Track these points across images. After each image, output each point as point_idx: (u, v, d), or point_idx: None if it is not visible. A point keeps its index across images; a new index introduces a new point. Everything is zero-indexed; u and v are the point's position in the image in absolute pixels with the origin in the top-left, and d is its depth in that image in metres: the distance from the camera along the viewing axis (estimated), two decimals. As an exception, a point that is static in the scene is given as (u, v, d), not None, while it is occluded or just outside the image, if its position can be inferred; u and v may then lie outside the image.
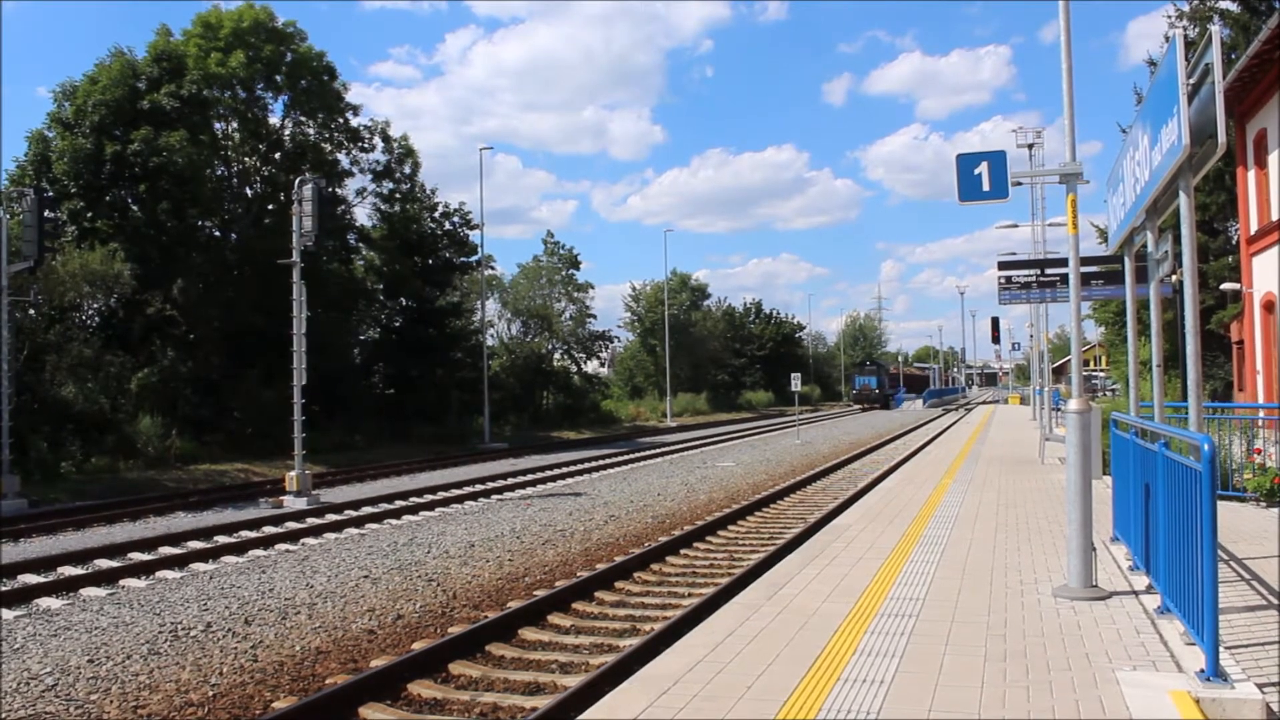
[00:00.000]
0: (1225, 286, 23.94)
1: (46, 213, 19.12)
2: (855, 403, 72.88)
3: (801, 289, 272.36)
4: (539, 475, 21.30)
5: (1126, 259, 8.96)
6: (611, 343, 59.43)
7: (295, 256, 17.78)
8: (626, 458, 26.09)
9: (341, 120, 33.92)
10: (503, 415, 39.66)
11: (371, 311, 37.54)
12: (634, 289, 69.68)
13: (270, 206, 31.95)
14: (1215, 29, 5.45)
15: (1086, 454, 6.74)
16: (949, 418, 48.52)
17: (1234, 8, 27.33)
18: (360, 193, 35.96)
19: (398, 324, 37.72)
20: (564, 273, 54.58)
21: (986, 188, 7.23)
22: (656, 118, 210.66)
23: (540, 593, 9.82)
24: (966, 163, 7.27)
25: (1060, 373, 76.96)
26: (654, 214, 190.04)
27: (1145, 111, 6.70)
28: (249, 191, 32.60)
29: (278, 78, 31.65)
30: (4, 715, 6.49)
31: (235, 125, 31.92)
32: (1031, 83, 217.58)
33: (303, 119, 33.12)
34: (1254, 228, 21.46)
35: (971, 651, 5.37)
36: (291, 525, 14.78)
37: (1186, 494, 4.82)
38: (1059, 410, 22.14)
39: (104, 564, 11.85)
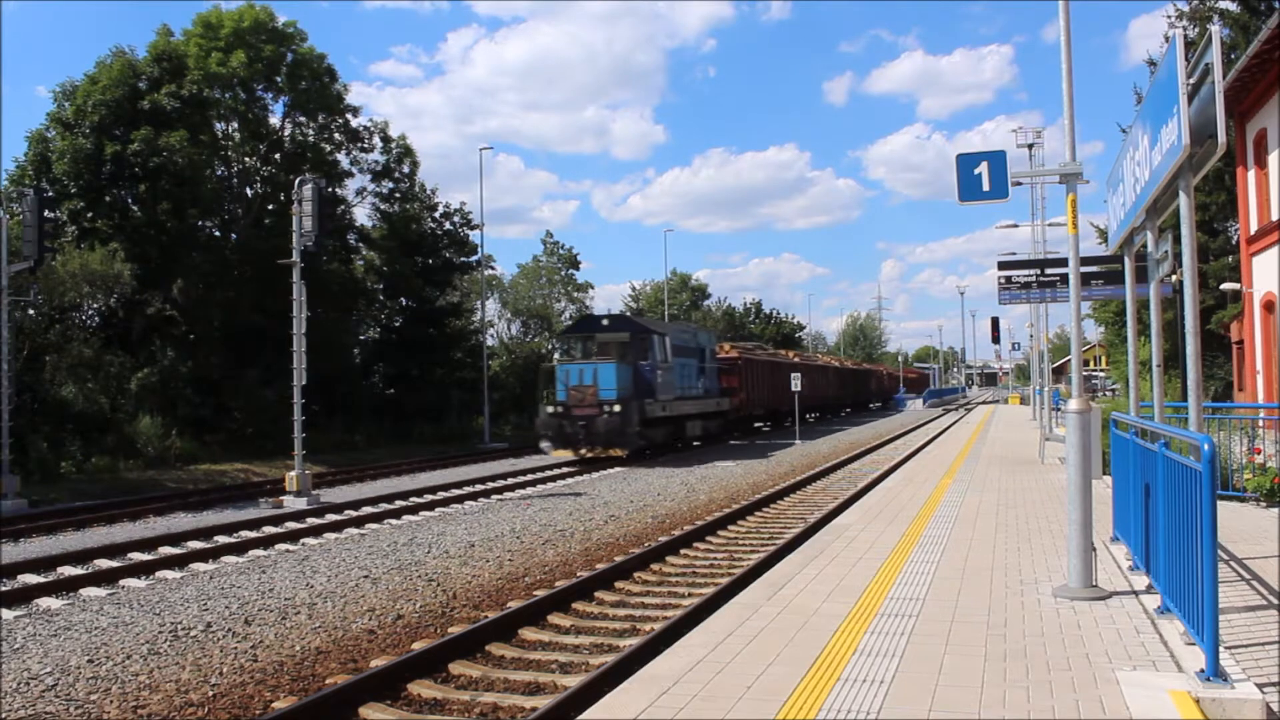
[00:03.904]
0: (1225, 286, 23.96)
1: (46, 213, 19.13)
2: (545, 436, 23.94)
3: (802, 289, 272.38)
4: (539, 475, 21.28)
5: (1126, 259, 8.95)
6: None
7: (295, 256, 17.77)
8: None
9: (341, 121, 33.98)
10: (503, 415, 39.69)
11: (371, 311, 37.62)
12: (634, 289, 69.68)
13: (270, 206, 32.01)
14: (1215, 29, 5.45)
15: (1086, 454, 6.74)
16: (949, 418, 48.52)
17: (1234, 8, 27.34)
18: (360, 193, 36.07)
19: (398, 324, 37.80)
20: (564, 273, 54.69)
21: (986, 188, 7.23)
22: (658, 117, 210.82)
23: (540, 593, 9.82)
24: (966, 163, 7.28)
25: (1060, 373, 76.95)
26: (655, 214, 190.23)
27: (1145, 111, 6.70)
28: (249, 191, 32.63)
29: (278, 78, 31.71)
30: (4, 715, 6.49)
31: (235, 125, 31.97)
32: (1033, 82, 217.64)
33: (303, 119, 33.17)
34: (1254, 228, 21.45)
35: (971, 651, 5.37)
36: (291, 525, 14.77)
37: (1186, 494, 4.82)
38: (1059, 410, 22.15)
39: (104, 564, 11.85)
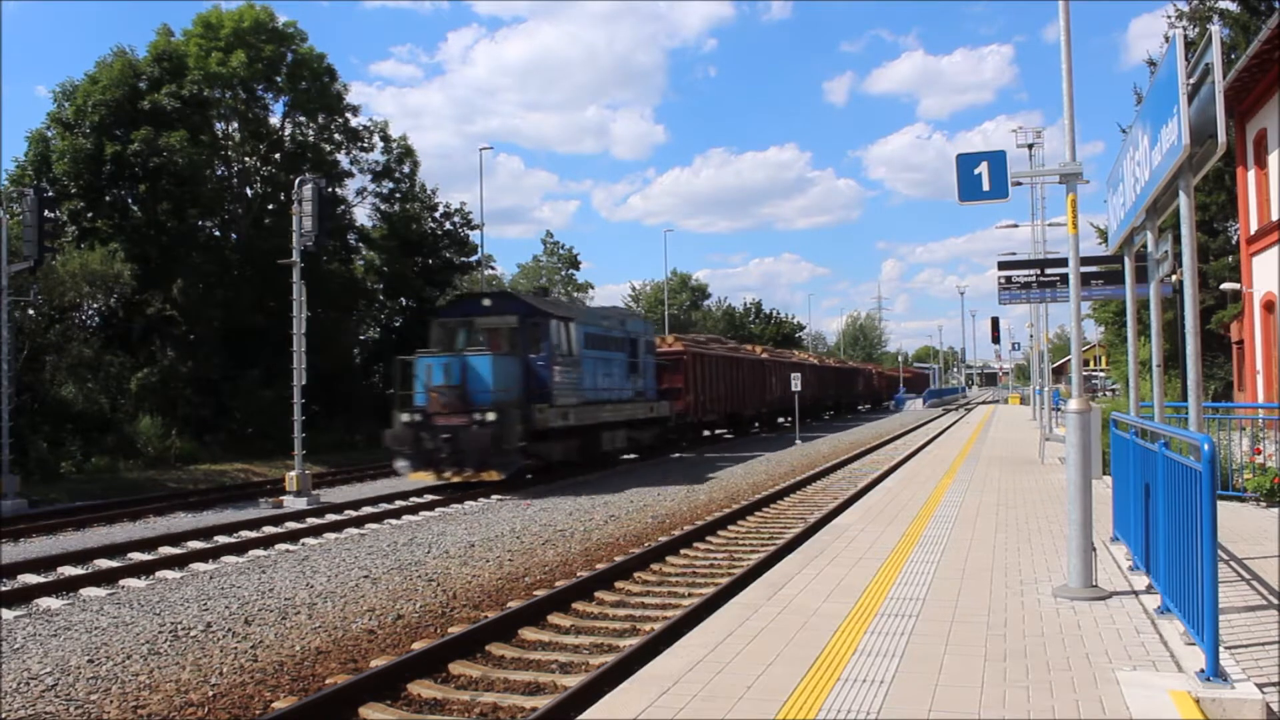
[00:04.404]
0: (1225, 286, 23.97)
1: (46, 213, 19.09)
2: (398, 453, 18.22)
3: (803, 289, 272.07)
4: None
5: (1126, 259, 8.96)
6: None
7: (295, 256, 17.77)
8: (625, 457, 25.99)
9: (341, 121, 33.99)
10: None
11: (371, 311, 37.60)
12: (634, 289, 69.92)
13: (270, 206, 32.01)
14: (1215, 29, 5.45)
15: (1086, 454, 6.74)
16: (948, 418, 48.52)
17: (1234, 8, 27.36)
18: (360, 193, 36.07)
19: (398, 324, 37.77)
20: (564, 272, 54.74)
21: (986, 188, 7.24)
22: (659, 117, 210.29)
23: (540, 593, 9.82)
24: (966, 163, 7.28)
25: (1060, 373, 76.97)
26: (655, 214, 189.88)
27: (1145, 111, 6.70)
28: (249, 191, 32.63)
29: (278, 78, 31.72)
30: (4, 715, 6.49)
31: (235, 125, 31.97)
32: (1034, 82, 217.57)
33: (303, 119, 33.18)
34: (1254, 228, 21.46)
35: (971, 651, 5.37)
36: (291, 525, 14.77)
37: (1186, 494, 4.82)
38: (1059, 410, 22.15)
39: (104, 564, 11.85)
